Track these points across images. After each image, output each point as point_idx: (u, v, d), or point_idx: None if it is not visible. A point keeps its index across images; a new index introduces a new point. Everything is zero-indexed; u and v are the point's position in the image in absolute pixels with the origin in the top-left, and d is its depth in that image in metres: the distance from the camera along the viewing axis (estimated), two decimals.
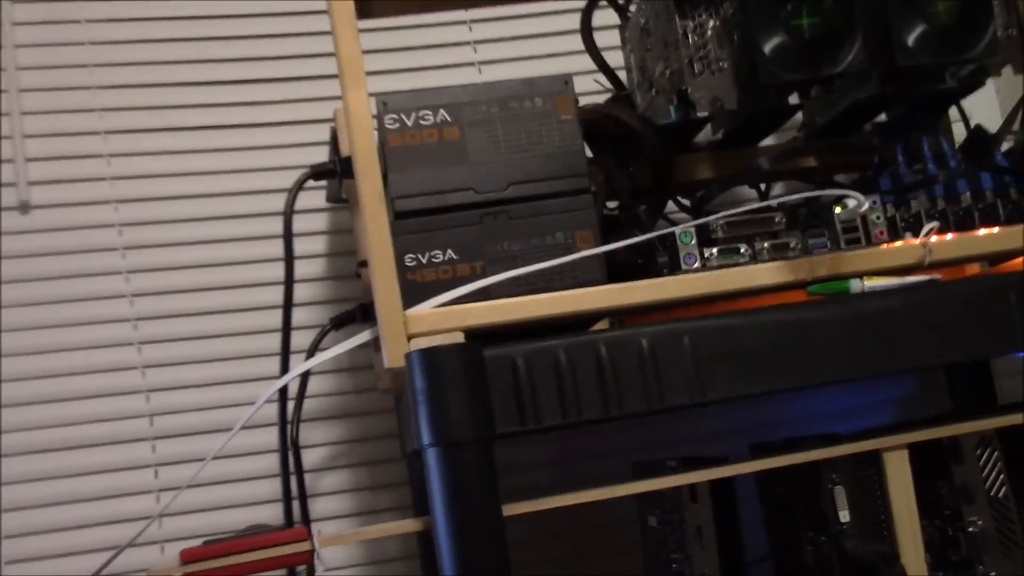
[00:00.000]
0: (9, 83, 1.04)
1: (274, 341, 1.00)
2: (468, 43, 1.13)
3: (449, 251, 0.76)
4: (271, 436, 1.00)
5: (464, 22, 1.13)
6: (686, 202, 0.98)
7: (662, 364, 0.68)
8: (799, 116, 0.94)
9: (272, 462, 1.01)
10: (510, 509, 0.67)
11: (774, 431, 0.99)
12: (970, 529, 0.75)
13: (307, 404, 0.99)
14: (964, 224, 0.82)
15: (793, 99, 0.89)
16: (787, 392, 0.70)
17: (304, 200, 1.02)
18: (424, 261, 0.76)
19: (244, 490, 1.02)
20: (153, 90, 1.07)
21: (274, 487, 0.99)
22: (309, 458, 1.02)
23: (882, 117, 0.94)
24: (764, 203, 0.77)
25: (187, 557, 0.68)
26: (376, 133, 0.76)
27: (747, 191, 1.05)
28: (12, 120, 1.03)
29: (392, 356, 0.69)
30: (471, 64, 1.13)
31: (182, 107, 1.07)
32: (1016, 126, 0.90)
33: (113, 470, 1.01)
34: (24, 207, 1.03)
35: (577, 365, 0.67)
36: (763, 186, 1.02)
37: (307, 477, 0.98)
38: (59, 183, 1.04)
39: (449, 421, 0.64)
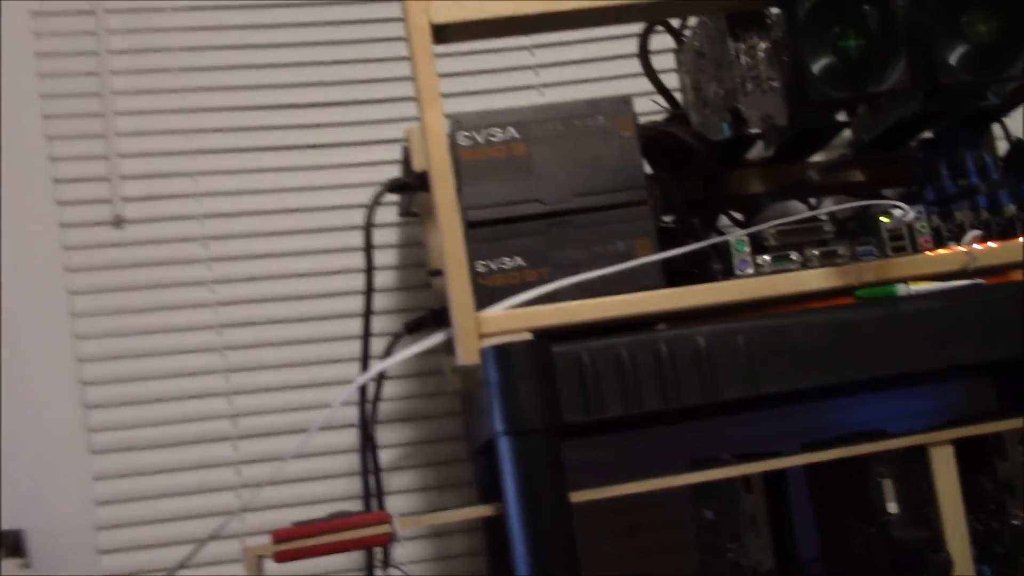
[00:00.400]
0: (106, 107, 1.12)
1: (348, 348, 1.07)
2: (530, 67, 1.20)
3: (517, 258, 0.82)
4: (347, 437, 1.06)
5: (527, 47, 1.19)
6: (738, 216, 1.03)
7: (717, 360, 0.73)
8: (848, 133, 0.98)
9: (348, 462, 1.07)
10: (577, 496, 0.72)
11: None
12: (1014, 522, 0.78)
13: (381, 407, 1.05)
14: (1007, 233, 0.86)
15: (841, 116, 0.94)
16: (836, 388, 0.74)
17: (378, 215, 1.08)
18: (494, 267, 0.82)
19: (321, 488, 1.08)
20: (237, 113, 1.15)
21: (350, 485, 1.05)
22: (382, 458, 1.07)
23: (928, 134, 0.98)
24: (813, 213, 0.81)
25: (279, 537, 0.74)
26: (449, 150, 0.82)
27: (798, 203, 1.09)
28: (108, 141, 1.11)
29: (466, 354, 0.74)
30: (533, 87, 1.19)
31: (264, 128, 1.15)
32: None
33: (198, 468, 1.07)
34: (118, 222, 1.11)
35: (638, 360, 0.73)
36: (813, 199, 1.07)
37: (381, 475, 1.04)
38: (151, 200, 1.12)
39: (520, 411, 0.69)
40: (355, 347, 1.01)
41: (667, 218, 0.97)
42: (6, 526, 1.01)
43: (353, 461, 1.05)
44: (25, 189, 1.10)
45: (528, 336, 0.74)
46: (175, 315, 1.10)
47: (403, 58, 1.11)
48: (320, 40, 1.18)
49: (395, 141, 1.11)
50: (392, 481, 1.09)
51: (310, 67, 1.17)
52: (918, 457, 0.77)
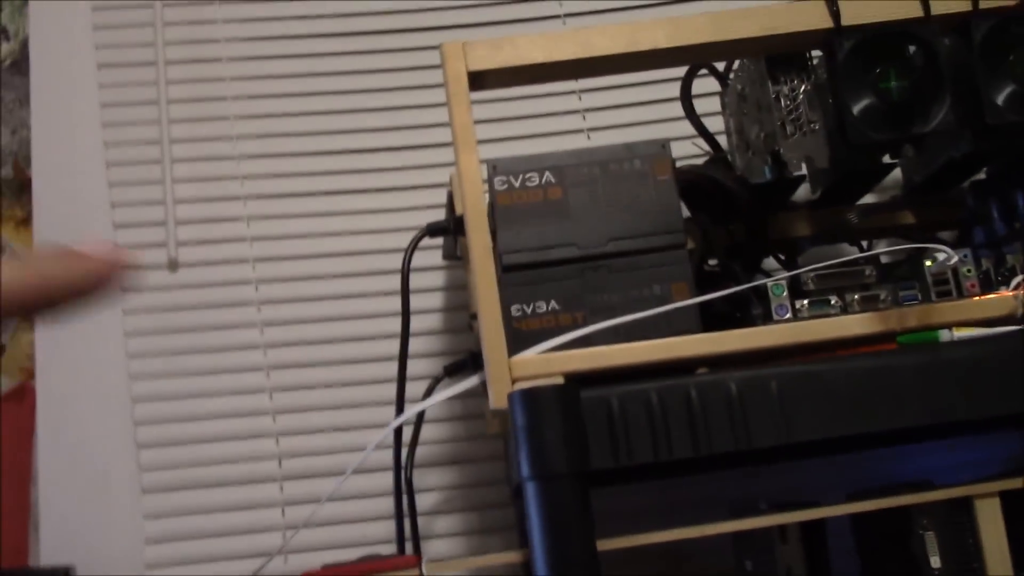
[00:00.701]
0: (163, 154, 1.15)
1: (393, 391, 1.08)
2: (578, 111, 1.20)
3: (552, 302, 0.82)
4: (390, 479, 1.07)
5: (574, 92, 1.20)
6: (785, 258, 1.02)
7: (749, 406, 0.71)
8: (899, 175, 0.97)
9: (390, 504, 1.07)
10: (605, 544, 0.71)
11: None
12: None
13: (421, 450, 1.05)
14: None
15: (891, 158, 0.93)
16: (874, 437, 0.72)
17: (423, 259, 1.09)
18: (529, 311, 0.82)
19: (363, 530, 1.08)
20: (287, 159, 1.17)
21: (391, 528, 1.06)
22: (423, 501, 1.07)
23: (982, 175, 0.96)
24: (852, 257, 0.80)
25: None
26: (487, 194, 0.83)
27: (849, 247, 1.08)
28: (165, 187, 1.14)
29: (497, 398, 0.74)
30: (580, 131, 1.20)
31: (313, 174, 1.17)
32: None
33: (245, 508, 1.09)
34: (172, 265, 1.13)
35: (668, 406, 0.72)
36: (865, 243, 1.05)
37: (420, 520, 1.04)
38: (205, 243, 1.14)
39: (546, 455, 0.69)
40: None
41: (712, 262, 0.96)
42: (57, 562, 1.04)
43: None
44: (88, 233, 1.14)
45: (560, 380, 0.73)
46: (225, 357, 1.12)
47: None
48: (369, 87, 1.20)
49: (441, 185, 1.13)
50: (434, 525, 1.09)
51: (359, 114, 1.19)
52: (964, 510, 0.74)
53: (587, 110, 1.20)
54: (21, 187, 1.17)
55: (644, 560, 0.86)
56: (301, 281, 1.14)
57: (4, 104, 1.20)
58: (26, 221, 1.16)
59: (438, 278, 1.15)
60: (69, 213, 1.15)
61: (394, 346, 1.08)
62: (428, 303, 1.13)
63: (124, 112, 1.17)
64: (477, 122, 1.15)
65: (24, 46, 1.20)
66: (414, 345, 1.05)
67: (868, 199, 1.02)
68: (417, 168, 1.18)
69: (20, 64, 1.20)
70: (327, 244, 1.15)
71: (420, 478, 1.06)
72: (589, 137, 1.19)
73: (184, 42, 1.19)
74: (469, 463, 1.11)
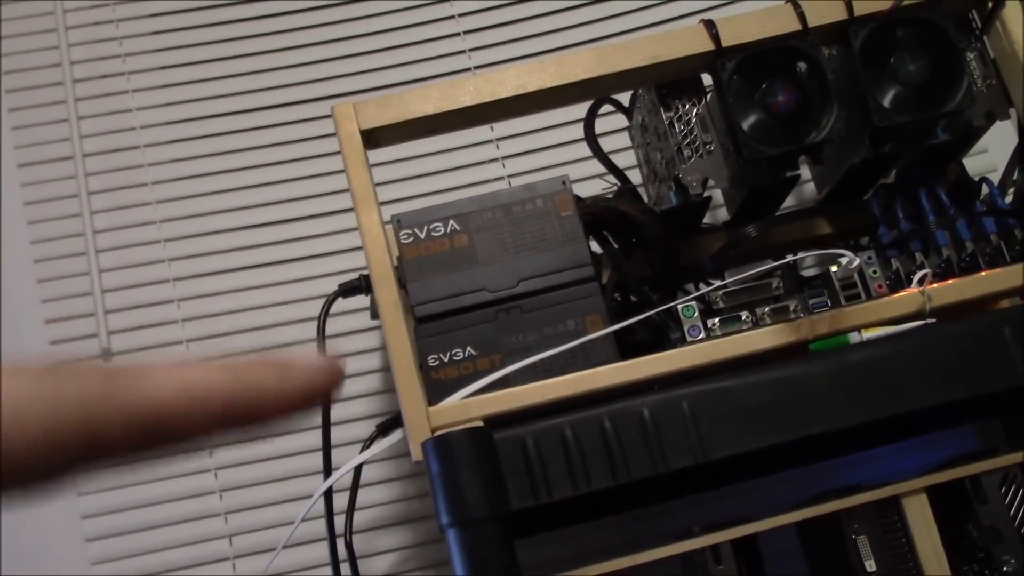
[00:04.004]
0: (88, 246, 1.16)
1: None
2: (496, 159, 1.21)
3: (468, 348, 0.82)
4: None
5: (491, 140, 1.21)
6: (716, 282, 1.02)
7: (664, 430, 0.71)
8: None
9: None
10: None
11: None
12: (1005, 569, 0.74)
13: (369, 513, 1.04)
14: (971, 271, 0.83)
15: (790, 171, 0.94)
16: (796, 446, 0.72)
17: (352, 322, 1.10)
18: (446, 360, 0.82)
19: None
20: (211, 237, 1.18)
21: None
22: (379, 564, 1.06)
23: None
24: (756, 271, 0.80)
25: None
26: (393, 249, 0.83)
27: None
28: (92, 278, 1.14)
29: (417, 450, 0.74)
30: (501, 178, 1.21)
31: (236, 249, 1.17)
32: (1016, 175, 0.91)
33: None
34: (106, 354, 1.13)
35: (583, 438, 0.71)
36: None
37: None
38: (136, 329, 1.14)
39: (464, 500, 0.68)
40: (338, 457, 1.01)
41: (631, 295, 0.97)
42: None
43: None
44: (20, 334, 1.14)
45: (477, 424, 0.73)
46: None
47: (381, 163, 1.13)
48: (284, 158, 1.21)
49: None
50: None
51: (277, 185, 1.20)
52: (892, 509, 0.74)
53: (505, 157, 1.21)
54: None
55: None
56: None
57: None
58: None
59: (370, 339, 1.14)
60: (2, 313, 1.15)
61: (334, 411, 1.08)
62: (359, 366, 1.13)
63: (46, 208, 1.18)
64: (395, 181, 1.16)
65: None
66: (347, 409, 1.05)
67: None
68: (337, 233, 1.18)
69: None
70: (256, 318, 1.15)
71: (370, 541, 1.05)
72: (510, 184, 1.20)
73: (101, 133, 1.20)
74: (417, 521, 1.09)
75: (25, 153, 1.19)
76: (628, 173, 1.01)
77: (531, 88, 0.84)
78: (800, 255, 0.81)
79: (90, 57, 1.22)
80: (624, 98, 1.00)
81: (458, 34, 1.25)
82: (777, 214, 0.97)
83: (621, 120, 1.02)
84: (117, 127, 1.20)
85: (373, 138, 0.84)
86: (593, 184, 1.07)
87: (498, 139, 1.21)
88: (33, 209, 1.18)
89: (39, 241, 1.17)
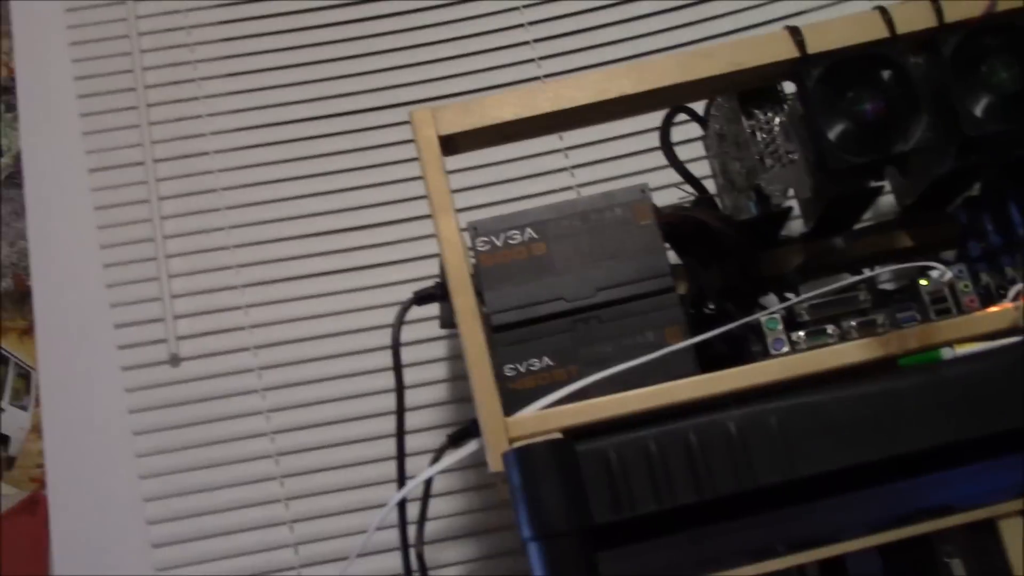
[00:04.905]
0: (158, 250, 1.16)
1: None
2: (566, 168, 1.20)
3: (545, 358, 0.81)
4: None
5: (560, 150, 1.20)
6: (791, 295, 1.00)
7: (751, 445, 0.69)
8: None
9: None
10: None
11: None
12: None
13: (434, 525, 1.03)
14: None
15: (875, 181, 0.91)
16: (886, 464, 0.70)
17: (421, 331, 1.09)
18: (523, 370, 0.80)
19: None
20: (279, 244, 1.18)
21: None
22: None
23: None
24: (843, 283, 0.78)
25: None
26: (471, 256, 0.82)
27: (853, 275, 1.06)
28: (161, 283, 1.15)
29: (495, 461, 0.73)
30: (570, 188, 1.19)
31: (306, 256, 1.17)
32: None
33: None
34: (175, 360, 1.13)
35: (667, 452, 0.70)
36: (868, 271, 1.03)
37: None
38: (205, 335, 1.14)
39: (546, 514, 0.67)
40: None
41: (711, 305, 0.95)
42: None
43: None
44: (90, 340, 1.14)
45: (559, 437, 0.72)
46: (233, 447, 1.11)
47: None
48: (356, 166, 1.21)
49: (435, 255, 1.13)
50: None
51: (349, 192, 1.20)
52: (988, 532, 0.71)
53: (574, 167, 1.20)
54: (22, 297, 1.18)
55: None
56: (303, 364, 1.14)
57: (2, 218, 1.21)
58: (28, 331, 1.16)
59: (439, 348, 1.13)
60: (70, 319, 1.16)
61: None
62: (429, 375, 1.12)
63: (117, 214, 1.18)
64: (467, 189, 1.16)
65: (17, 160, 1.22)
66: (417, 419, 1.04)
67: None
68: (410, 240, 1.17)
69: (14, 177, 1.22)
70: (326, 325, 1.15)
71: (435, 554, 1.04)
72: (579, 193, 1.19)
73: (171, 139, 1.21)
74: (486, 534, 1.08)
75: (96, 158, 1.20)
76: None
77: (611, 95, 0.82)
78: (890, 267, 0.78)
79: (162, 64, 1.22)
80: (697, 107, 0.98)
81: (527, 42, 1.24)
82: (856, 227, 0.95)
83: (687, 130, 1.00)
84: (188, 133, 1.21)
85: (451, 144, 0.83)
86: (664, 194, 1.05)
87: (567, 148, 1.20)
88: (103, 214, 1.18)
89: (108, 246, 1.17)
